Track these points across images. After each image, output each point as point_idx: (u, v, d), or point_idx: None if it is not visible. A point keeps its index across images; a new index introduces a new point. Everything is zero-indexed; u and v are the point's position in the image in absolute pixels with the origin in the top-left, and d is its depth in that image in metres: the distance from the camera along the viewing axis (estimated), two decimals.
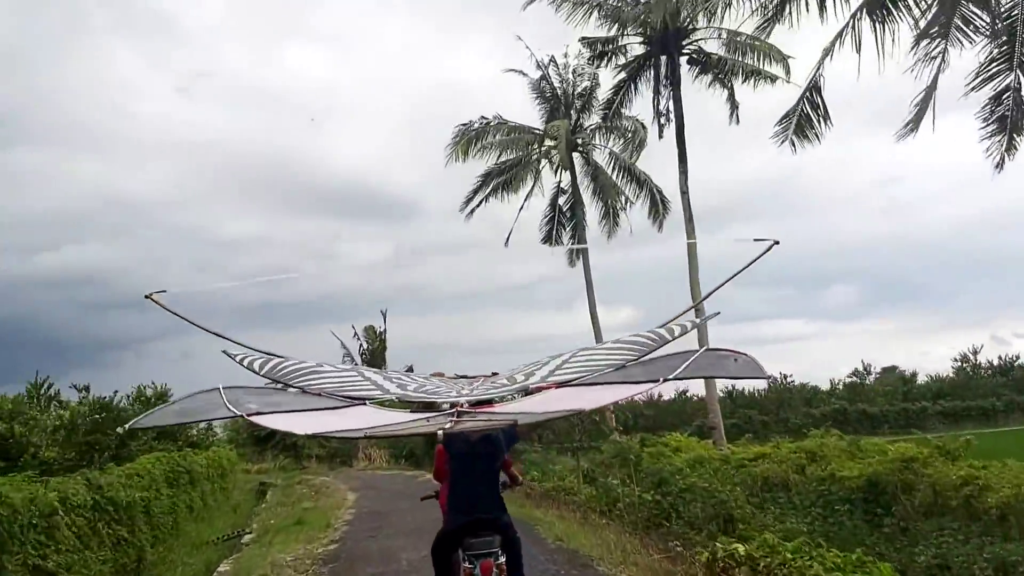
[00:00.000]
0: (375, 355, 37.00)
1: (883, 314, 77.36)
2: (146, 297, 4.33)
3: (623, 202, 30.60)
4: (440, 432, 3.39)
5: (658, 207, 29.48)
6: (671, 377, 4.18)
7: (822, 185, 73.91)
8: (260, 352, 4.77)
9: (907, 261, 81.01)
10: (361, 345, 37.60)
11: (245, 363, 4.59)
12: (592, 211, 31.09)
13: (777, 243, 4.60)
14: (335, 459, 34.59)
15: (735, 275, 4.91)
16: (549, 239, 31.92)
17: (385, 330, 37.72)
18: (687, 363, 4.26)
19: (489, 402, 4.56)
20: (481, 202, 31.26)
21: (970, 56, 14.50)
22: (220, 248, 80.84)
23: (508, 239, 32.22)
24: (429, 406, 4.42)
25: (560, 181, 32.15)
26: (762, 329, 71.01)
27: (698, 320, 6.09)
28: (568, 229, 31.82)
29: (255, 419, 3.82)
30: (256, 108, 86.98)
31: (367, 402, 4.31)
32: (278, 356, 4.76)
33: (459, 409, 3.86)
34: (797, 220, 72.20)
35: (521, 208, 31.56)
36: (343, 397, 4.33)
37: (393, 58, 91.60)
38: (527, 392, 4.49)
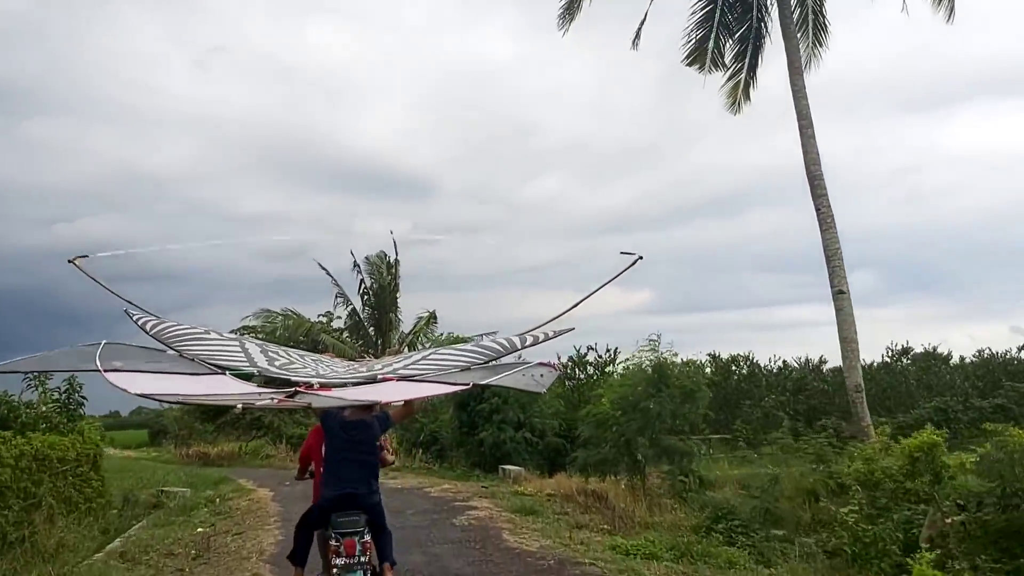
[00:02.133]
0: (383, 295, 28.99)
1: (903, 301, 74.80)
2: (69, 261, 4.56)
3: None
4: (239, 407, 3.99)
5: None
6: (483, 383, 4.97)
7: (844, 171, 71.66)
8: (157, 316, 5.10)
9: (928, 249, 78.34)
10: (363, 281, 29.49)
11: (139, 323, 4.95)
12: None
13: (641, 258, 4.86)
14: None
15: (597, 290, 5.12)
16: (700, 55, 19.19)
17: (397, 261, 29.42)
18: (510, 372, 4.69)
19: (335, 387, 4.41)
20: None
21: None
22: (238, 224, 79.84)
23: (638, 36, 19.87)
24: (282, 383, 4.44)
25: None
26: (776, 314, 69.96)
27: (551, 334, 5.56)
28: (734, 39, 19.39)
29: (109, 375, 3.80)
30: (275, 83, 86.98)
31: (227, 372, 4.44)
32: (173, 322, 5.11)
33: (298, 389, 3.94)
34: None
35: None
36: (210, 365, 4.52)
37: (413, 35, 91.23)
38: (373, 380, 4.72)
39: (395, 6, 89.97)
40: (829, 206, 14.36)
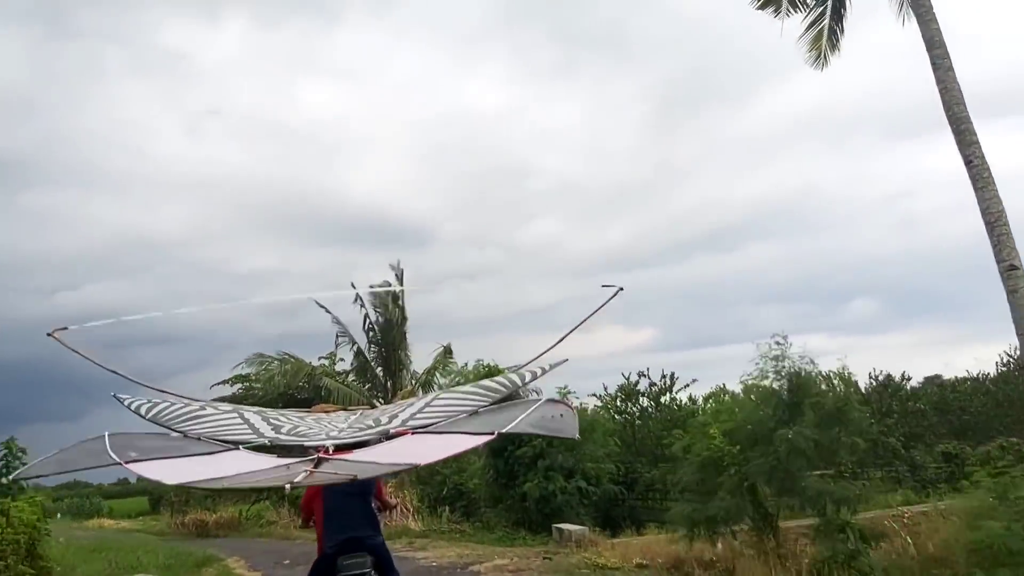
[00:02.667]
0: (389, 332, 25.54)
1: (905, 326, 73.55)
2: (48, 335, 4.29)
3: None
4: (288, 486, 3.26)
5: None
6: (505, 431, 4.18)
7: (837, 201, 70.50)
8: (148, 399, 4.78)
9: (927, 274, 76.73)
10: (368, 317, 26.06)
11: (132, 407, 4.66)
12: None
13: (622, 289, 4.74)
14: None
15: (581, 323, 4.99)
16: None
17: (402, 292, 26.00)
18: (527, 413, 4.29)
19: (351, 447, 4.21)
20: None
21: None
22: (238, 281, 79.36)
23: None
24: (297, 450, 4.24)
25: None
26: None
27: (547, 367, 5.46)
28: None
29: (132, 467, 3.74)
30: (268, 142, 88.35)
31: (240, 447, 4.22)
32: (167, 399, 4.85)
33: (320, 455, 3.69)
34: (812, 236, 69.36)
35: None
36: (220, 442, 4.27)
37: (404, 87, 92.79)
38: (388, 436, 4.54)
39: (385, 60, 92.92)
40: (983, 156, 11.02)
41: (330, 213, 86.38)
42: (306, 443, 4.29)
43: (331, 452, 3.87)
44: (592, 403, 23.24)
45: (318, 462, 3.59)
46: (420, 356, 27.31)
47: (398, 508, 20.81)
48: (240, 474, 3.72)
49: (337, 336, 26.48)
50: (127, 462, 3.78)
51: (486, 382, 5.38)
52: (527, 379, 5.24)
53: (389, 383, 26.45)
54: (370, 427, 4.78)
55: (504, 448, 17.04)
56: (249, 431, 4.55)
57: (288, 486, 3.32)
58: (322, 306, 26.24)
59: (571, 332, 5.09)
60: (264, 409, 5.65)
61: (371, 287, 26.81)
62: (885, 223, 71.58)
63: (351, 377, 26.57)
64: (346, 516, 5.34)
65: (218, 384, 25.78)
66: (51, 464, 4.11)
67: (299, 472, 3.43)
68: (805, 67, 15.87)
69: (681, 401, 22.23)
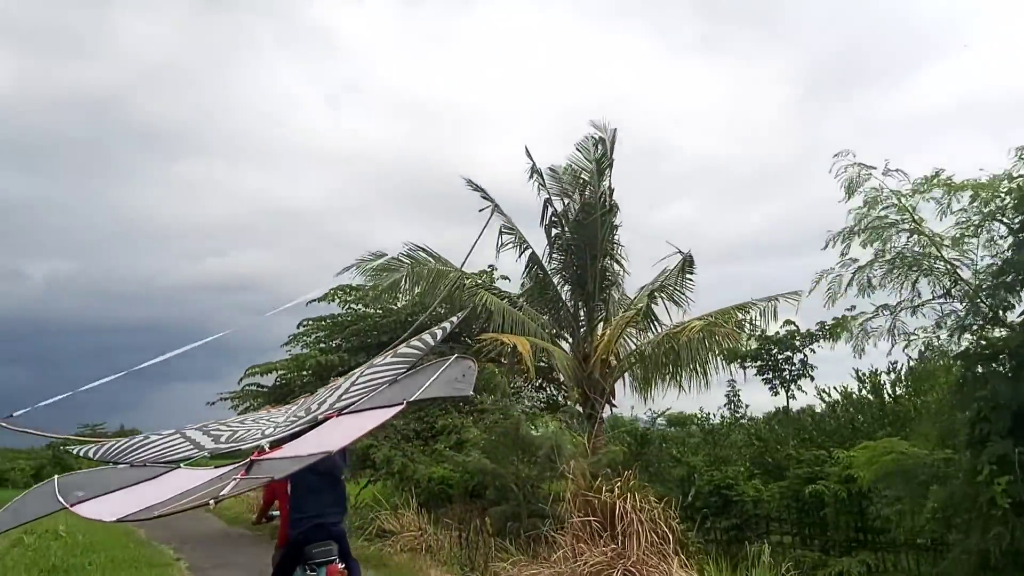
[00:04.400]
0: (587, 228, 15.41)
1: None
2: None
3: None
4: (212, 503, 3.28)
5: None
6: (413, 399, 4.39)
7: None
8: (96, 442, 4.90)
9: None
10: (549, 206, 16.03)
11: (81, 453, 4.87)
12: None
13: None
14: None
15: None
16: None
17: (613, 144, 15.74)
18: (436, 376, 4.60)
19: (284, 441, 4.31)
20: None
21: None
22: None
23: None
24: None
25: None
26: None
27: (456, 320, 6.21)
28: None
29: (76, 508, 3.76)
30: (404, 117, 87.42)
31: (180, 464, 4.31)
32: (112, 440, 4.93)
33: (252, 458, 3.82)
34: None
35: None
36: (163, 463, 4.36)
37: (542, 66, 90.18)
38: (316, 423, 4.54)
39: (524, 36, 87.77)
40: None
41: (466, 191, 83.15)
42: (243, 447, 4.46)
43: (268, 450, 4.07)
44: None
45: (249, 466, 3.77)
46: (639, 270, 17.07)
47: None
48: (171, 498, 3.72)
49: (501, 232, 16.54)
50: (72, 504, 3.89)
51: (403, 348, 5.42)
52: (439, 336, 5.60)
53: (582, 310, 16.28)
54: (301, 417, 4.87)
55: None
56: (190, 447, 4.64)
57: (212, 502, 3.42)
58: (474, 184, 16.37)
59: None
60: (206, 423, 5.49)
61: (551, 169, 16.61)
62: None
63: (522, 301, 16.56)
64: (312, 503, 5.51)
65: (314, 301, 16.65)
66: (7, 516, 4.22)
67: (229, 482, 3.61)
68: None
69: None
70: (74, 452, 4.99)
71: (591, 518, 9.66)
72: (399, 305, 16.30)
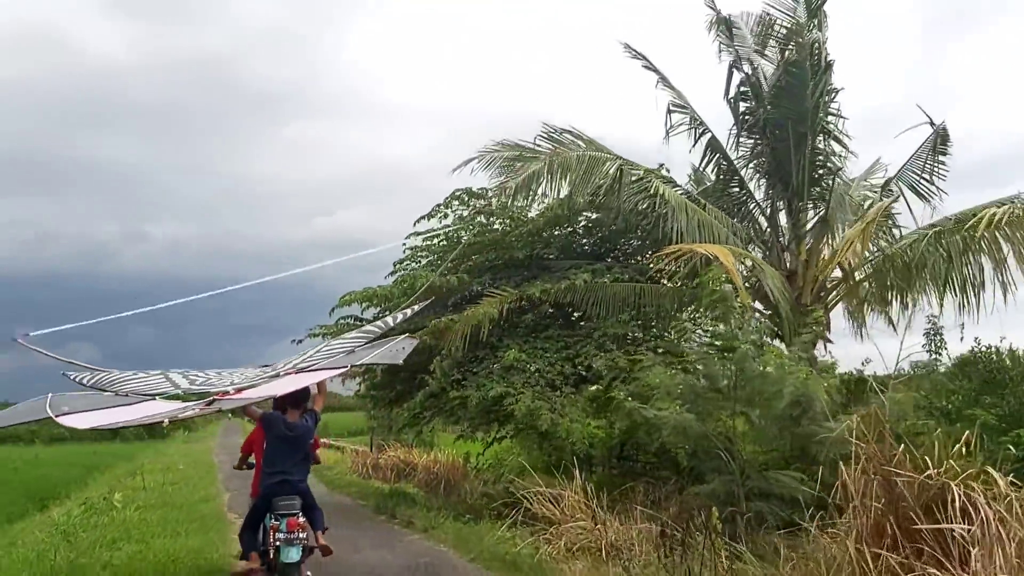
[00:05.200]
0: (793, 97, 10.70)
1: None
2: (13, 340, 5.37)
3: None
4: (166, 421, 5.55)
5: None
6: (358, 363, 6.85)
7: None
8: (92, 371, 6.26)
9: None
10: (735, 70, 11.52)
11: (76, 379, 6.04)
12: None
13: None
14: None
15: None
16: None
17: None
18: (382, 349, 6.48)
19: (244, 388, 5.83)
20: None
21: None
22: None
23: None
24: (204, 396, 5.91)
25: None
26: None
27: (416, 307, 8.26)
28: None
29: (60, 419, 5.17)
30: (502, 74, 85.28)
31: (156, 397, 5.91)
32: (105, 371, 6.34)
33: (216, 397, 5.52)
34: None
35: None
36: (140, 394, 5.92)
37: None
38: (277, 377, 6.20)
39: None
40: None
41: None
42: (212, 389, 5.85)
43: (231, 394, 5.57)
44: None
45: (211, 401, 5.51)
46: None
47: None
48: (137, 418, 5.55)
49: (669, 111, 12.25)
50: (57, 415, 5.19)
51: (367, 327, 7.62)
52: (398, 319, 7.71)
53: (781, 212, 11.85)
54: (266, 373, 6.40)
55: None
56: (168, 386, 6.13)
57: (167, 421, 5.40)
58: (632, 49, 12.15)
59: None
60: (188, 370, 6.66)
61: (731, 21, 12.05)
62: None
63: (708, 205, 12.27)
64: (281, 461, 6.23)
65: (423, 218, 13.05)
66: (5, 415, 6.42)
67: (189, 410, 5.59)
68: None
69: None
70: (71, 377, 6.05)
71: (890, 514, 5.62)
72: (534, 210, 12.46)
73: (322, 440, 32.12)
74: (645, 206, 11.17)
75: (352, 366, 6.65)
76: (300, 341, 12.60)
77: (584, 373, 10.56)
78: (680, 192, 11.67)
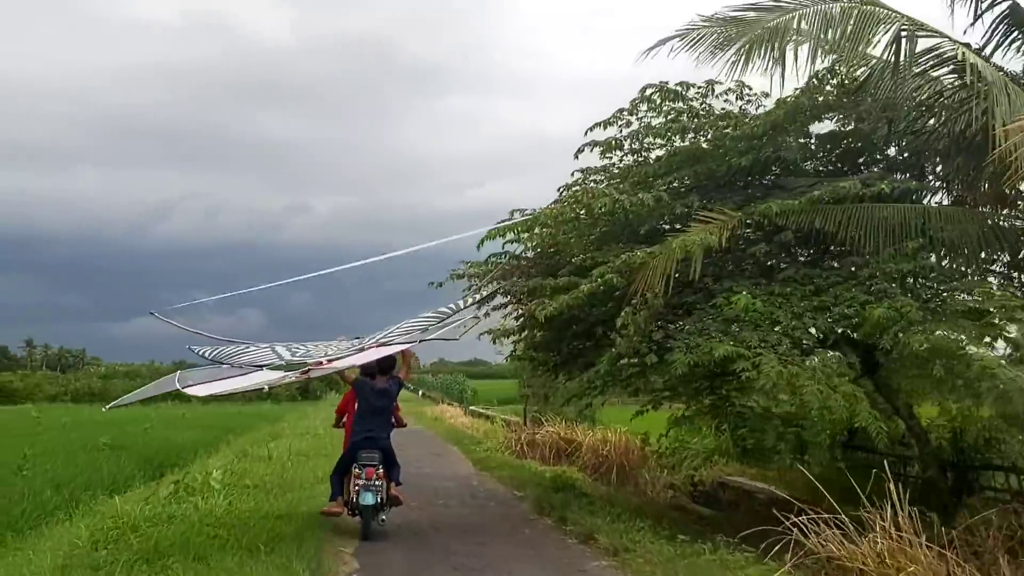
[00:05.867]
0: None
1: None
2: (151, 313, 6.58)
3: None
4: (266, 388, 10.64)
5: None
6: (427, 339, 7.80)
7: None
8: (213, 345, 7.05)
9: None
10: None
11: (199, 353, 6.86)
12: None
13: None
14: None
15: None
16: None
17: None
18: (449, 327, 7.83)
19: (336, 359, 7.14)
20: None
21: None
22: None
23: None
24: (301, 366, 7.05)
25: None
26: None
27: (485, 293, 9.21)
28: None
29: (186, 390, 6.85)
30: (649, 43, 79.62)
31: (264, 368, 6.85)
32: (224, 344, 7.18)
33: (311, 366, 6.89)
34: None
35: None
36: (252, 365, 6.90)
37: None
38: (361, 350, 7.32)
39: None
40: None
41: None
42: (309, 360, 6.97)
43: (324, 363, 6.97)
44: None
45: (307, 371, 6.85)
46: None
47: None
48: (247, 386, 7.07)
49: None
50: (184, 387, 6.74)
51: (442, 308, 7.91)
52: (470, 302, 8.53)
53: None
54: (353, 347, 7.52)
55: None
56: (275, 357, 7.01)
57: (267, 388, 9.20)
58: None
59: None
60: (291, 343, 7.57)
61: None
62: None
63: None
64: (368, 421, 7.53)
65: (597, 126, 9.95)
66: (137, 395, 8.24)
67: (289, 377, 6.95)
68: None
69: None
70: (196, 351, 6.86)
71: None
72: (770, 98, 9.16)
73: (471, 408, 30.31)
74: (939, 91, 7.57)
75: (421, 340, 7.81)
76: (440, 285, 10.18)
77: (849, 332, 7.22)
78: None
